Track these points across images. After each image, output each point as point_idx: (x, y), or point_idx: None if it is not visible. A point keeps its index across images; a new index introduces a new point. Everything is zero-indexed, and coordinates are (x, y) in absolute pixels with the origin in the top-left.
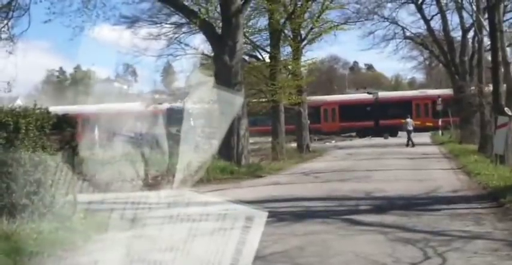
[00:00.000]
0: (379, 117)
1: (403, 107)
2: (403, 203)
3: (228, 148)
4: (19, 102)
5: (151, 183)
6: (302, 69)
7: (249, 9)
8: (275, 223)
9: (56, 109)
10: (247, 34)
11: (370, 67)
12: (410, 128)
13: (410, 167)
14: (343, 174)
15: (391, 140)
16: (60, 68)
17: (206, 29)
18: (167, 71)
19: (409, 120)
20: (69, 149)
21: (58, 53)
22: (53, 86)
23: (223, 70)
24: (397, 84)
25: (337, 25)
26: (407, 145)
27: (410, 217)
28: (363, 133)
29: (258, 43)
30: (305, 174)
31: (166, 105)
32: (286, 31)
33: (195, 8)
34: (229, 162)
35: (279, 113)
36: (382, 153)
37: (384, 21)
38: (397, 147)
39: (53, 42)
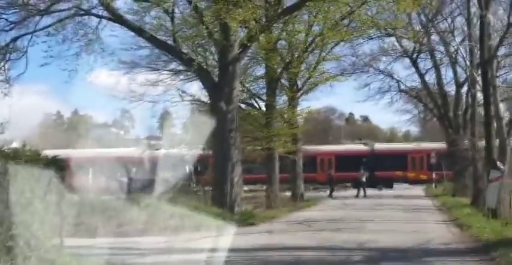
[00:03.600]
0: (374, 168)
1: (398, 159)
2: (395, 255)
3: (222, 195)
4: (15, 145)
5: (142, 229)
6: (298, 118)
7: (246, 58)
8: None
9: (52, 152)
10: (244, 82)
11: (365, 119)
12: (363, 180)
13: (403, 219)
14: (336, 224)
15: (385, 192)
16: (58, 112)
17: (203, 76)
18: (164, 117)
19: (362, 171)
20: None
21: (56, 96)
22: (50, 130)
23: (219, 117)
24: (392, 137)
25: (333, 76)
26: (357, 196)
27: None
28: (357, 183)
29: (254, 91)
30: (298, 222)
31: (162, 151)
32: (282, 80)
33: (193, 56)
34: (222, 209)
35: (274, 161)
36: (376, 204)
37: (379, 74)
38: (391, 199)
39: (51, 86)
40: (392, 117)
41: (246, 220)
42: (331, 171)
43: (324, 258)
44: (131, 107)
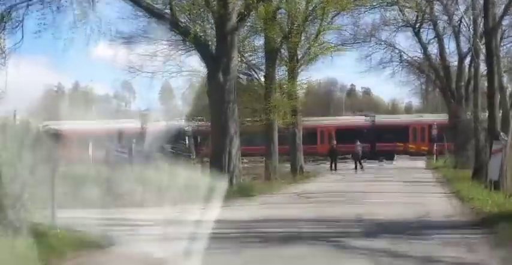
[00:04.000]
0: (375, 140)
1: (400, 131)
2: (394, 228)
3: (220, 168)
4: (17, 117)
5: (138, 201)
6: (297, 89)
7: (244, 27)
8: (262, 245)
9: (52, 124)
10: (242, 53)
11: (367, 91)
12: (359, 152)
13: (403, 191)
14: (334, 197)
15: (386, 165)
16: (59, 84)
17: (200, 46)
18: (164, 89)
19: (358, 143)
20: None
21: (56, 69)
22: (51, 102)
23: (216, 88)
24: (393, 109)
25: (334, 46)
26: (355, 168)
27: (401, 243)
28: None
29: (253, 62)
30: (297, 195)
31: (162, 123)
32: (282, 51)
33: (191, 26)
34: (220, 179)
35: (273, 133)
36: (376, 177)
37: (380, 44)
38: (392, 171)
39: (51, 58)
40: (394, 89)
41: (244, 192)
42: (332, 142)
43: (321, 231)
44: (130, 79)
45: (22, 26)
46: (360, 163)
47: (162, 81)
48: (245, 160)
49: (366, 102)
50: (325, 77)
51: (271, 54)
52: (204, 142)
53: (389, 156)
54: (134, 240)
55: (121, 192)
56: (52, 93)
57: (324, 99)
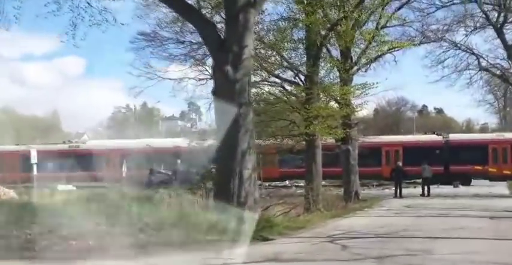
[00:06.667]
0: (449, 162)
1: (477, 151)
2: None
3: (226, 196)
4: (85, 138)
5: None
6: (352, 94)
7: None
8: None
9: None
10: (276, 48)
11: (440, 111)
12: (428, 175)
13: (491, 233)
14: (388, 243)
15: (462, 189)
16: (127, 105)
17: (206, 30)
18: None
19: (426, 166)
20: None
21: (126, 91)
22: (118, 122)
23: (224, 86)
24: (468, 130)
25: (397, 42)
26: (422, 194)
27: None
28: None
29: (291, 62)
30: (333, 239)
31: (208, 142)
32: (332, 50)
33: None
34: (225, 214)
35: (315, 150)
36: (451, 206)
37: (454, 48)
38: (469, 199)
39: (122, 81)
40: (468, 111)
41: (258, 232)
42: (398, 163)
43: None
44: (195, 99)
45: None
46: (428, 188)
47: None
48: (288, 184)
49: (438, 123)
50: (394, 97)
51: (311, 50)
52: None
53: (465, 180)
54: None
55: None
56: (120, 115)
57: (393, 118)
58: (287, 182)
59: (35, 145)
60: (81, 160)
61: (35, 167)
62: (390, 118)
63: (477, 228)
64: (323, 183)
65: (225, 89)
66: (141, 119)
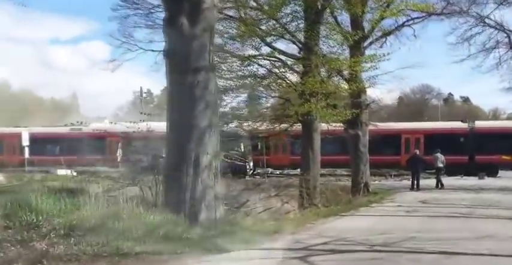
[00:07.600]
0: (474, 151)
1: (505, 140)
2: None
3: (178, 190)
4: (106, 121)
5: None
6: (361, 68)
7: None
8: None
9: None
10: (271, 13)
11: (466, 100)
12: (440, 165)
13: None
14: (387, 257)
15: (488, 181)
16: (148, 90)
17: None
18: None
19: (438, 155)
20: None
21: (148, 76)
22: (138, 107)
23: (178, 44)
24: (495, 119)
25: (413, 5)
26: (436, 186)
27: None
28: (452, 170)
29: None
30: (306, 254)
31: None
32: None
33: None
34: (176, 215)
35: (312, 135)
36: (474, 202)
37: (481, 24)
38: (496, 193)
39: (145, 66)
40: (495, 99)
41: (214, 240)
42: (415, 152)
43: None
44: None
45: None
46: (440, 181)
47: None
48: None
49: (464, 111)
50: (419, 84)
51: (311, 13)
52: (262, 149)
53: (491, 171)
54: None
55: None
56: (138, 99)
57: (417, 106)
58: (299, 170)
59: (37, 127)
60: (83, 143)
61: (26, 150)
62: (414, 106)
63: (502, 233)
64: (336, 171)
65: (180, 48)
66: (160, 104)
